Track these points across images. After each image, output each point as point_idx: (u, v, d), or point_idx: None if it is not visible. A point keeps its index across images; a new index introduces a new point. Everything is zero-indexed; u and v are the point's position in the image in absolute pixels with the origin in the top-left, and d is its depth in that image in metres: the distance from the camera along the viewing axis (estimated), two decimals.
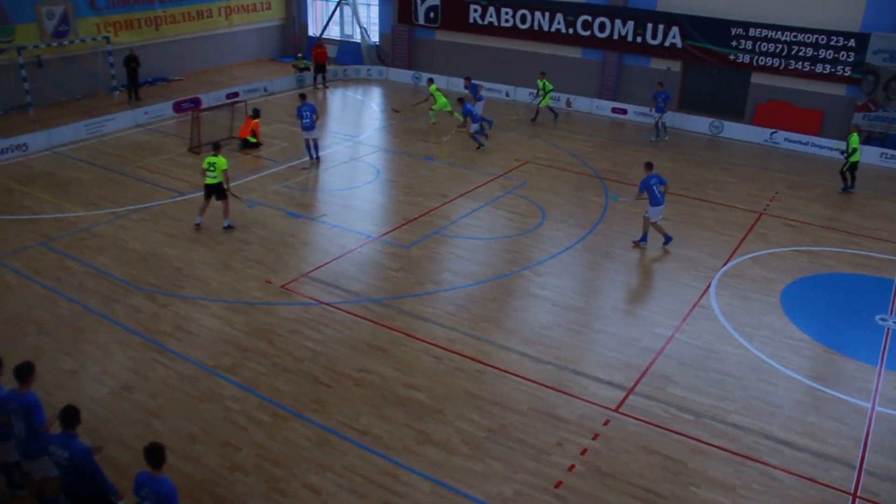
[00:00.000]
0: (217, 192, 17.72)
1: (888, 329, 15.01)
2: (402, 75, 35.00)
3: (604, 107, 30.53)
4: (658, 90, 26.90)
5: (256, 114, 24.70)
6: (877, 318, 15.36)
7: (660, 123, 27.25)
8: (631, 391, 12.52)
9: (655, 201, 17.64)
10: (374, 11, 36.94)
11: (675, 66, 29.98)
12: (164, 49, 33.23)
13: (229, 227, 18.02)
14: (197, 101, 27.85)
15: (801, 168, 24.95)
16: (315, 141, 22.90)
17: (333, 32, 38.14)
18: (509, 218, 19.39)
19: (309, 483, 10.28)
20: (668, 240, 18.09)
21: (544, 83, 28.21)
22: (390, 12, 35.84)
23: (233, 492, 10.11)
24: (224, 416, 11.59)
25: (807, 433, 11.81)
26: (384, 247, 17.50)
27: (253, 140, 24.21)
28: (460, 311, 14.85)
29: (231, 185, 18.30)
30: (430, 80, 28.33)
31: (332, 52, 36.61)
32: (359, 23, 36.91)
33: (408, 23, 35.16)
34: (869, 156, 25.95)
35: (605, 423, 11.71)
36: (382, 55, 36.64)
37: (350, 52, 37.20)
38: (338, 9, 37.28)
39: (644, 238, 18.13)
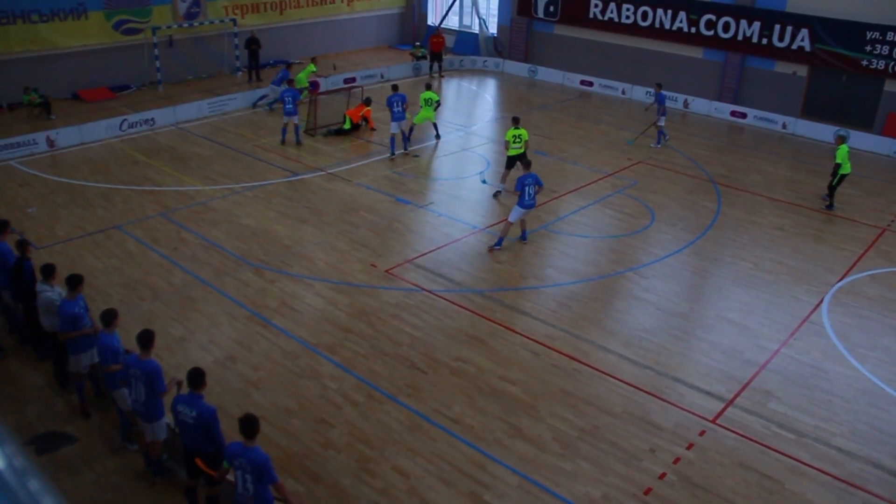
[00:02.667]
0: (522, 160, 17.95)
1: None
2: (519, 68, 34.90)
3: (723, 110, 29.61)
4: (657, 91, 24.76)
5: (368, 102, 25.12)
6: None
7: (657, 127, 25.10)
8: (730, 403, 12.18)
9: (522, 202, 16.68)
10: (494, 3, 36.97)
11: (802, 71, 28.80)
12: (287, 33, 34.21)
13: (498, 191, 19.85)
14: (315, 85, 28.51)
15: None
16: (403, 132, 22.95)
17: (452, 22, 38.38)
18: (617, 217, 19.11)
19: (398, 466, 10.45)
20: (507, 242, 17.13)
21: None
22: (510, 4, 35.80)
23: (324, 468, 10.38)
24: (321, 394, 11.89)
25: None
26: (490, 238, 17.53)
27: (352, 125, 24.59)
28: (561, 309, 14.76)
29: (341, 168, 18.69)
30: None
31: (449, 42, 36.83)
32: (478, 13, 37.00)
33: (527, 15, 35.02)
34: None
35: (701, 434, 11.43)
36: (500, 47, 36.61)
37: (467, 43, 37.34)
38: None
39: (499, 242, 17.11)
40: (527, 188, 16.53)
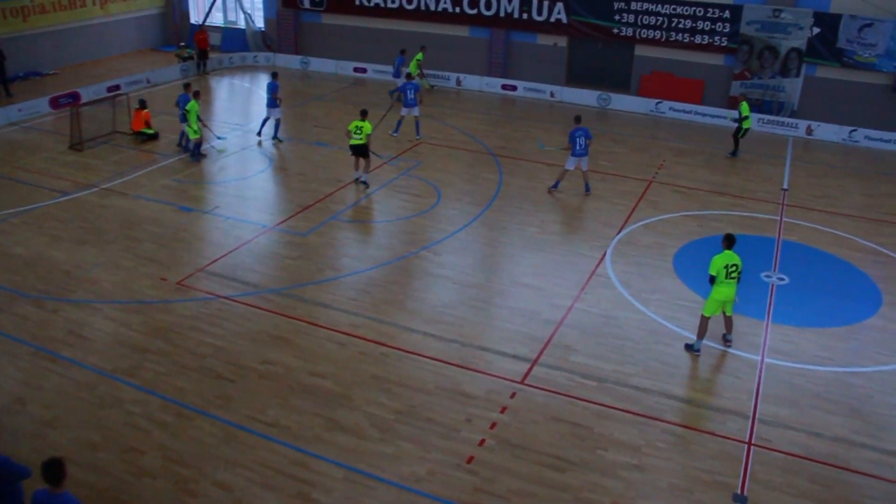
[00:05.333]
0: (361, 151, 19.65)
1: (773, 285, 15.74)
2: (291, 61, 34.35)
3: (494, 84, 30.81)
4: (406, 82, 24.65)
5: (143, 104, 23.80)
6: (762, 275, 16.07)
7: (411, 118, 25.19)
8: (535, 363, 12.74)
9: (575, 152, 19.42)
10: None
11: (562, 42, 30.48)
12: (35, 41, 31.50)
13: (364, 182, 20.14)
14: (76, 96, 26.68)
15: (686, 136, 25.80)
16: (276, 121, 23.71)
17: (217, 19, 37.13)
18: (405, 199, 19.37)
19: (219, 481, 10.07)
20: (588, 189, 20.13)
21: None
22: None
23: (140, 497, 9.80)
24: (125, 421, 11.20)
25: (704, 389, 12.32)
26: (281, 236, 17.23)
27: (150, 131, 23.38)
28: (361, 296, 14.78)
29: (115, 182, 17.63)
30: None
31: (215, 39, 35.61)
32: (242, 8, 36.05)
33: (293, 7, 34.51)
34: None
35: (512, 396, 11.87)
36: (269, 41, 35.90)
37: (235, 39, 36.24)
38: None
39: (556, 184, 20.05)
40: (577, 139, 19.22)
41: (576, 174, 19.93)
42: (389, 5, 32.33)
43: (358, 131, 19.42)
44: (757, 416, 11.70)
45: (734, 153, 23.95)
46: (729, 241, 12.70)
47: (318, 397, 11.77)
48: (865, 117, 26.23)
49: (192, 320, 13.81)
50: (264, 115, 23.82)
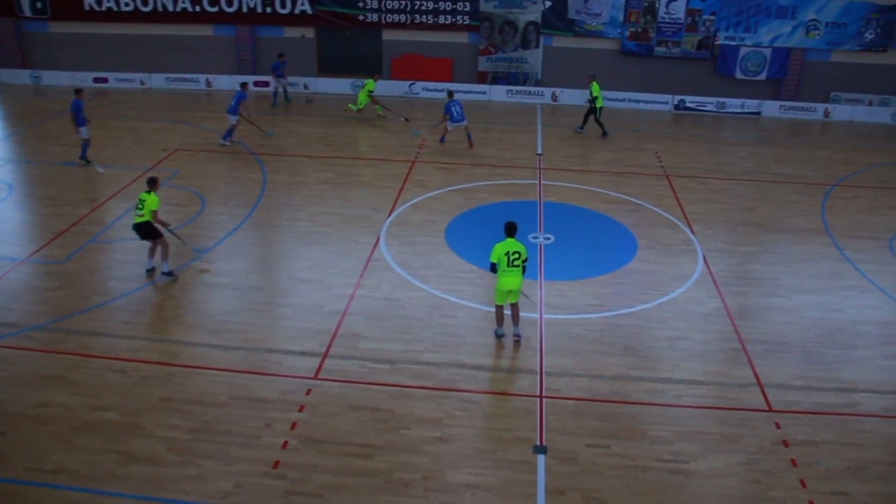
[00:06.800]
0: (147, 232, 15.05)
1: (540, 245, 16.62)
2: (18, 76, 31.32)
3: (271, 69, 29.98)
4: (279, 61, 27.11)
5: None
6: (529, 237, 16.90)
7: (280, 90, 28.01)
8: (326, 356, 12.63)
9: (452, 119, 22.33)
10: None
11: (309, 33, 30.27)
12: None
13: (169, 273, 15.29)
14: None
15: (441, 114, 26.49)
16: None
17: None
18: (168, 210, 18.32)
19: None
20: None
21: None
22: None
23: None
24: None
25: (492, 354, 12.78)
26: (36, 267, 15.82)
27: None
28: (136, 318, 13.92)
29: None
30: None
31: None
32: None
33: (10, 15, 31.22)
34: (497, 94, 28.38)
35: (308, 393, 11.71)
36: None
37: None
38: None
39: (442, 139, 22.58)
40: (452, 109, 22.37)
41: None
42: (123, 9, 30.35)
43: (140, 206, 15.03)
44: (544, 370, 12.32)
45: (604, 134, 24.87)
46: (509, 230, 12.56)
47: (106, 432, 10.96)
48: (601, 80, 28.26)
49: None
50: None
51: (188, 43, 30.63)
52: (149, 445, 10.66)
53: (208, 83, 30.18)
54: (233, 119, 22.86)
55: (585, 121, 25.07)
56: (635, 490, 9.96)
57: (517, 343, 13.03)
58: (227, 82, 29.93)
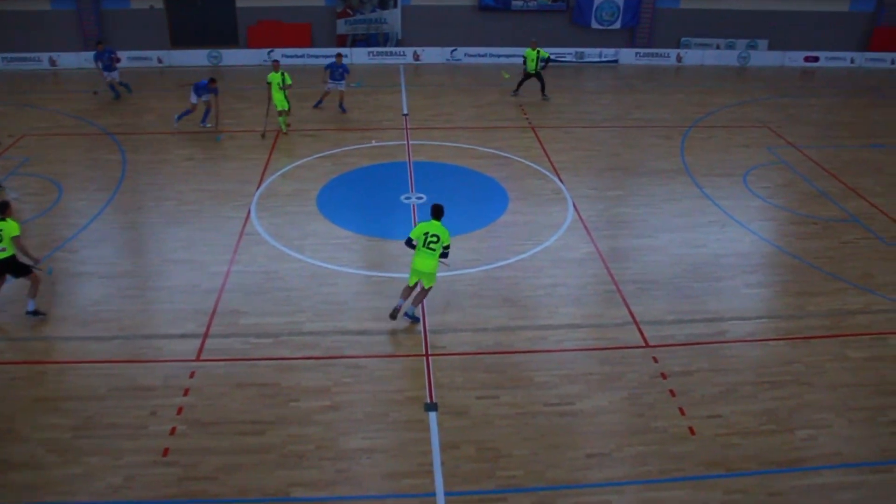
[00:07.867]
0: (11, 268, 12.62)
1: (413, 205, 16.71)
2: None
3: (88, 58, 28.42)
4: (98, 50, 24.34)
5: None
6: (402, 197, 16.97)
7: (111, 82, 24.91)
8: (206, 336, 12.36)
9: (333, 78, 22.52)
10: None
11: (158, 4, 28.98)
12: None
13: (35, 313, 12.99)
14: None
15: (302, 79, 25.96)
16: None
17: None
18: (22, 201, 17.40)
19: None
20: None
21: None
22: None
23: None
24: None
25: (374, 318, 12.80)
26: None
27: None
28: None
29: None
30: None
31: None
32: None
33: None
34: (359, 56, 28.11)
35: (192, 376, 11.45)
36: None
37: None
38: None
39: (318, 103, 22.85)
40: (334, 71, 22.56)
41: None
42: None
43: None
44: (428, 328, 12.48)
45: (544, 97, 24.92)
46: (435, 212, 12.21)
47: None
48: (461, 37, 28.45)
49: None
50: None
51: (23, 19, 28.60)
52: (26, 450, 10.17)
53: (52, 62, 28.47)
54: (198, 99, 21.41)
55: (543, 85, 24.99)
56: (526, 436, 10.28)
57: (407, 320, 12.71)
58: (73, 60, 28.32)
